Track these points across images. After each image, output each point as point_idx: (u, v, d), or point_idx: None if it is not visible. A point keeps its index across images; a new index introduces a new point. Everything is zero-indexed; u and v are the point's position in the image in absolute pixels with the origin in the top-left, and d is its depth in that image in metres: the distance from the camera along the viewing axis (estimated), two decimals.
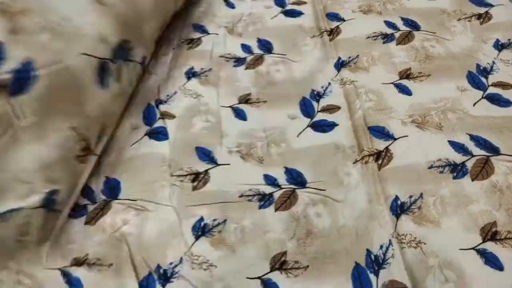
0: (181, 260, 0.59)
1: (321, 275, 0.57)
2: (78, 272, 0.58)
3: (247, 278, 0.57)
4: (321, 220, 0.62)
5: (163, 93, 0.80)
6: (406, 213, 0.61)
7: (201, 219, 0.62)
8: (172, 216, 0.63)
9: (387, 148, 0.68)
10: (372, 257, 0.58)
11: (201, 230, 0.61)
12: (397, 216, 0.61)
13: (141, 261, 0.59)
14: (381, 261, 0.57)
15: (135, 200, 0.65)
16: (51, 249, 0.60)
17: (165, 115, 0.76)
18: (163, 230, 0.62)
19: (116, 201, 0.65)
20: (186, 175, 0.67)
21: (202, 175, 0.67)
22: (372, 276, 0.56)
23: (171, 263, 0.59)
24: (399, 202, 0.62)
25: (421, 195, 0.62)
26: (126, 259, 0.59)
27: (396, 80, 0.78)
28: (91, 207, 0.65)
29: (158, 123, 0.76)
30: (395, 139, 0.69)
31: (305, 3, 0.99)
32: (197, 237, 0.61)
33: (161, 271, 0.58)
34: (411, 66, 0.80)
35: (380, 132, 0.70)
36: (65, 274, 0.58)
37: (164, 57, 0.88)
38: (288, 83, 0.81)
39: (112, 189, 0.67)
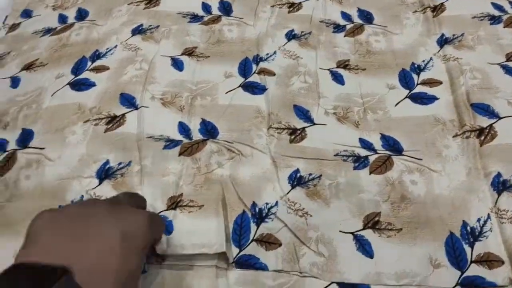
0: (276, 203, 0.61)
1: (414, 239, 0.57)
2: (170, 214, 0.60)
3: (340, 231, 0.58)
4: (416, 187, 0.62)
5: (262, 50, 0.82)
6: (509, 191, 0.60)
7: (297, 170, 0.64)
8: (267, 163, 0.65)
9: (491, 125, 0.67)
10: (468, 228, 0.57)
11: (296, 180, 0.63)
12: (499, 193, 0.60)
13: (234, 200, 0.61)
14: (477, 234, 0.57)
15: (232, 143, 0.67)
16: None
17: (264, 72, 0.78)
18: (258, 175, 0.64)
19: (213, 140, 0.68)
20: (284, 129, 0.69)
21: (299, 131, 0.69)
22: (466, 247, 0.56)
23: (266, 203, 0.61)
24: (501, 179, 0.61)
25: None
26: (218, 199, 0.61)
27: (503, 62, 0.76)
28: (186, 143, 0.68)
29: (253, 78, 0.77)
30: (500, 118, 0.68)
31: None
32: (293, 186, 0.62)
33: (257, 209, 0.60)
34: None
35: (484, 109, 0.69)
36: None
37: (263, 14, 0.90)
38: (387, 54, 0.80)
39: (209, 130, 0.69)
